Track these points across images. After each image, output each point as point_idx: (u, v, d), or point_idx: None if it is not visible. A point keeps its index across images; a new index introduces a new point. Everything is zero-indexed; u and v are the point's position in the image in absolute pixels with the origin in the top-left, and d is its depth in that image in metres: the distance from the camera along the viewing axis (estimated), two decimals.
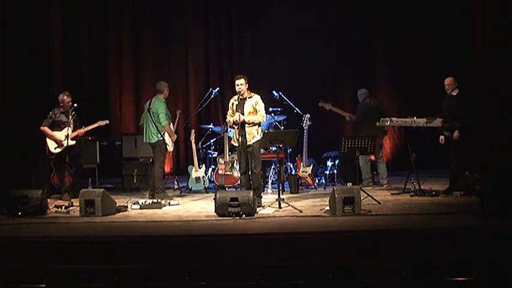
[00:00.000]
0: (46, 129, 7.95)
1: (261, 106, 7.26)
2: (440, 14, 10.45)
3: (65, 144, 7.82)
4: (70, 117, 7.81)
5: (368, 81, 11.24)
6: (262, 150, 7.94)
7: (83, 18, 11.24)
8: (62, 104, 8.08)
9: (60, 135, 7.96)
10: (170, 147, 8.13)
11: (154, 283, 4.85)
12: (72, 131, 7.92)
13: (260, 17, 11.34)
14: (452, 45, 10.22)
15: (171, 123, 8.19)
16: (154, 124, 7.91)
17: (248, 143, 7.20)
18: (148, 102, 8.14)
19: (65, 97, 8.09)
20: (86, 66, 11.35)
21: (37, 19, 8.57)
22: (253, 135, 7.21)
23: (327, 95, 11.40)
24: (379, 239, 5.35)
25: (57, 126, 8.00)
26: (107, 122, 8.45)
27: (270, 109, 8.78)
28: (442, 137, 7.84)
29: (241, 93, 7.25)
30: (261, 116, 7.25)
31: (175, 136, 8.32)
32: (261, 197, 7.32)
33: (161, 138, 7.92)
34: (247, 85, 7.28)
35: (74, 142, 8.03)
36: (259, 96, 7.32)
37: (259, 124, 7.28)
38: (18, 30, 8.02)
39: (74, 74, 10.81)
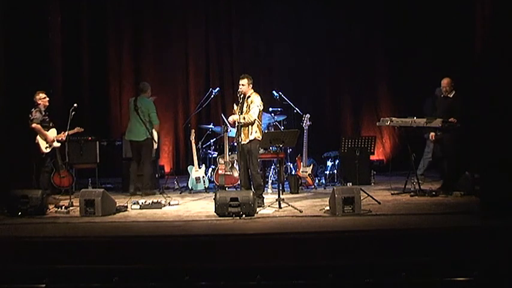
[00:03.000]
0: (40, 127, 7.76)
1: (254, 105, 7.18)
2: (440, 14, 10.44)
3: (54, 145, 7.86)
4: (70, 117, 7.77)
5: (368, 81, 11.28)
6: (262, 150, 7.95)
7: (83, 18, 11.23)
8: (39, 103, 7.81)
9: (50, 134, 7.89)
10: (155, 145, 8.44)
11: (154, 283, 4.85)
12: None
13: (260, 17, 11.33)
14: (452, 45, 10.21)
15: None
16: (143, 122, 8.16)
17: (242, 143, 7.19)
18: (133, 100, 8.44)
19: (40, 95, 7.83)
20: (86, 66, 11.33)
21: (37, 19, 8.57)
22: (248, 135, 7.19)
23: (327, 94, 11.49)
24: (379, 239, 5.36)
25: (45, 126, 7.86)
26: (82, 130, 8.24)
27: (270, 109, 8.77)
28: (432, 133, 7.92)
29: (242, 92, 7.26)
30: (249, 116, 7.13)
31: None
32: (263, 197, 7.31)
33: (150, 136, 8.19)
34: (250, 85, 7.27)
35: (59, 144, 7.94)
36: (257, 97, 7.26)
37: (254, 124, 7.19)
38: (19, 30, 8.01)
39: (74, 74, 10.82)
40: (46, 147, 7.86)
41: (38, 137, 7.82)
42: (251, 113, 7.16)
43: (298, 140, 7.48)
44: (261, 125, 7.38)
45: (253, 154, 7.19)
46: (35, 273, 4.91)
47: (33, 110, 7.79)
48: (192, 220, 6.48)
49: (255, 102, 7.20)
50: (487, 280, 4.60)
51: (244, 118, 7.12)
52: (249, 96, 7.26)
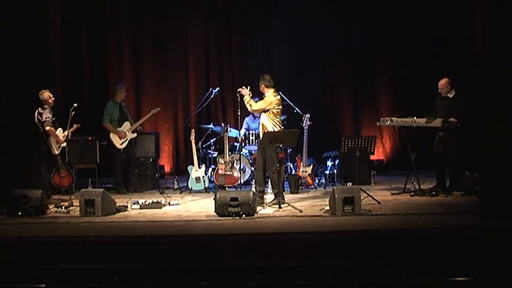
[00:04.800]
0: (53, 130, 7.71)
1: (263, 100, 7.52)
2: (440, 14, 10.44)
3: (63, 145, 7.84)
4: (70, 117, 7.74)
5: (368, 81, 11.26)
6: None
7: (83, 18, 11.22)
8: (49, 102, 7.77)
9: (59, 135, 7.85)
10: (118, 145, 8.78)
11: (154, 283, 4.85)
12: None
13: (260, 17, 11.33)
14: (452, 45, 10.21)
15: (128, 121, 8.91)
16: None
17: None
18: None
19: (48, 93, 7.78)
20: (86, 66, 11.33)
21: (37, 19, 8.57)
22: (263, 132, 7.43)
23: (327, 94, 11.49)
24: (379, 239, 5.36)
25: (54, 127, 7.80)
26: (79, 125, 8.20)
27: None
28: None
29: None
30: (252, 104, 7.50)
31: (122, 132, 8.82)
32: (283, 195, 7.26)
33: (109, 137, 8.71)
34: (262, 85, 7.57)
35: (64, 144, 7.90)
36: (269, 96, 7.50)
37: (269, 123, 7.43)
38: (19, 30, 8.02)
39: (74, 74, 10.81)
40: (57, 149, 7.82)
41: (52, 140, 7.74)
42: (257, 104, 7.56)
43: (298, 140, 7.49)
44: (277, 124, 7.49)
45: (267, 153, 7.41)
46: (35, 273, 4.91)
47: (42, 111, 7.70)
48: (192, 220, 6.48)
49: (267, 97, 7.51)
50: (487, 280, 4.60)
51: (249, 103, 7.50)
52: (264, 96, 7.59)
